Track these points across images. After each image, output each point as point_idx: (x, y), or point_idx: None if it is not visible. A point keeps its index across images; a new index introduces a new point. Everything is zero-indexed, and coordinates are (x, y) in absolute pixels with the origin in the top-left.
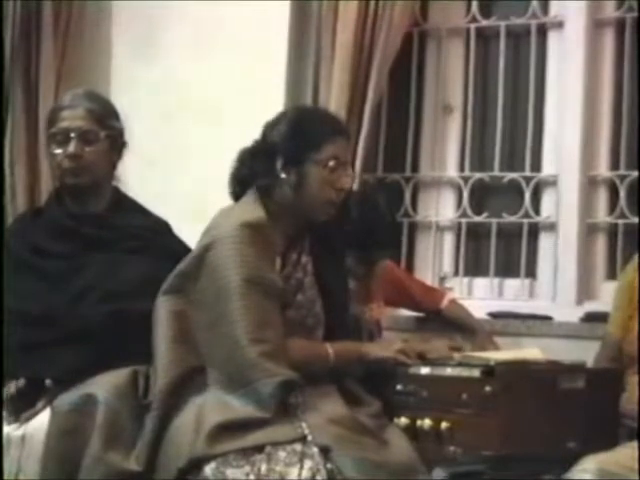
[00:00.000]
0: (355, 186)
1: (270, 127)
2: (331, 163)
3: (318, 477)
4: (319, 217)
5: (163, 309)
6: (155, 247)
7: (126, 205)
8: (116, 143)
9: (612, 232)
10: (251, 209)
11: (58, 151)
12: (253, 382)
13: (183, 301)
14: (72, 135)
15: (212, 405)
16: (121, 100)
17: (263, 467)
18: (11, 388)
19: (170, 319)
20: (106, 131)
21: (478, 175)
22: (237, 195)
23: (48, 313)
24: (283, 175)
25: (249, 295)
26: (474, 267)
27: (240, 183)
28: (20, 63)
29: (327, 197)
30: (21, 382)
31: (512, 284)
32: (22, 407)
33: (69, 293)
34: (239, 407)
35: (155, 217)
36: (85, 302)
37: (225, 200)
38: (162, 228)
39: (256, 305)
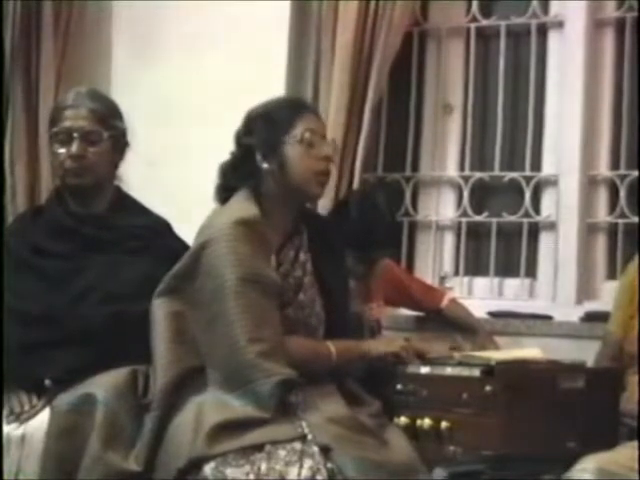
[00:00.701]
0: (355, 186)
1: (241, 134)
2: (307, 135)
3: (318, 476)
4: (313, 192)
5: (160, 310)
6: (156, 248)
7: (127, 205)
8: (118, 143)
9: (612, 232)
10: (244, 206)
11: (61, 151)
12: (252, 382)
13: (180, 302)
14: (75, 135)
15: (211, 405)
16: (121, 100)
17: (263, 466)
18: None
19: (168, 320)
20: (109, 132)
21: (478, 175)
22: (225, 202)
23: (48, 313)
24: (265, 165)
25: (245, 294)
26: (474, 267)
27: (227, 191)
28: (20, 63)
29: (314, 169)
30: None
31: (512, 284)
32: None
33: (70, 294)
34: (238, 407)
35: (156, 217)
36: (86, 303)
37: None
38: (163, 228)
39: (253, 304)
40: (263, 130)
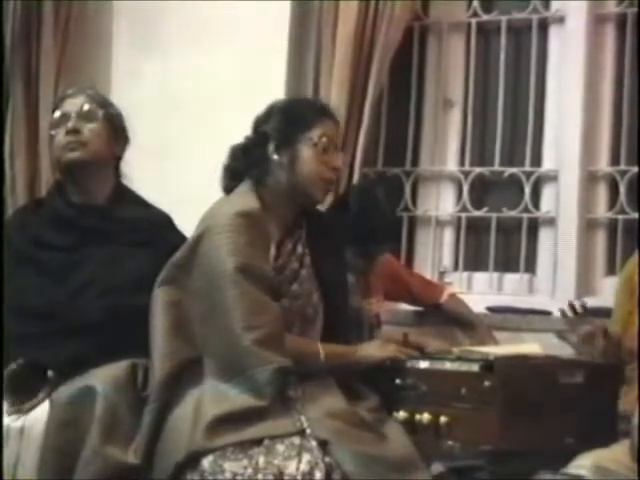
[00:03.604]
0: (355, 180)
1: (260, 121)
2: (323, 140)
3: (316, 470)
4: (316, 196)
5: (159, 300)
6: (157, 241)
7: (128, 198)
8: (117, 131)
9: (612, 227)
10: (245, 199)
11: (58, 131)
12: (248, 370)
13: (179, 291)
14: (73, 115)
15: (210, 397)
16: (122, 93)
17: (261, 460)
18: (13, 366)
19: (166, 309)
20: (104, 110)
21: (478, 170)
22: (230, 189)
23: (48, 307)
24: (275, 157)
25: (242, 283)
26: (474, 262)
27: (233, 177)
28: (21, 57)
29: (322, 175)
30: (20, 362)
31: (511, 279)
32: (23, 398)
33: (69, 287)
34: (236, 397)
35: (157, 210)
36: (85, 296)
37: None
38: (164, 222)
39: (249, 292)
40: (281, 122)
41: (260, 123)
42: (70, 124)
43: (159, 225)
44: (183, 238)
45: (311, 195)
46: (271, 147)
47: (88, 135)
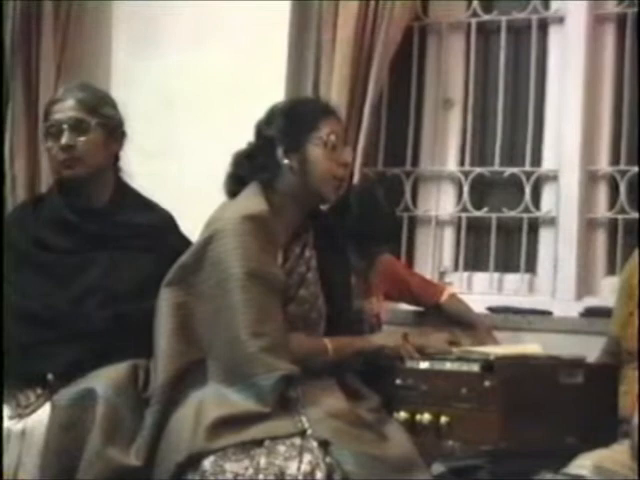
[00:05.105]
0: (355, 180)
1: (263, 124)
2: (332, 138)
3: (317, 471)
4: (328, 195)
5: (165, 301)
6: (160, 247)
7: (130, 198)
8: (112, 132)
9: (612, 227)
10: (253, 202)
11: (53, 144)
12: (253, 376)
13: (184, 293)
14: (64, 127)
15: (212, 399)
16: (121, 94)
17: (262, 461)
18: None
19: (171, 310)
20: (97, 119)
21: (478, 170)
22: (235, 194)
23: (49, 312)
24: (286, 161)
25: (250, 288)
26: (474, 262)
27: (238, 182)
28: (20, 57)
29: (333, 173)
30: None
31: (512, 279)
32: (24, 401)
33: (72, 292)
34: (239, 401)
35: (160, 212)
36: (87, 304)
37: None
38: (167, 225)
39: (257, 298)
40: (287, 125)
41: (263, 127)
42: (64, 140)
43: (162, 229)
44: (186, 242)
45: (322, 194)
46: (279, 152)
47: (83, 149)
